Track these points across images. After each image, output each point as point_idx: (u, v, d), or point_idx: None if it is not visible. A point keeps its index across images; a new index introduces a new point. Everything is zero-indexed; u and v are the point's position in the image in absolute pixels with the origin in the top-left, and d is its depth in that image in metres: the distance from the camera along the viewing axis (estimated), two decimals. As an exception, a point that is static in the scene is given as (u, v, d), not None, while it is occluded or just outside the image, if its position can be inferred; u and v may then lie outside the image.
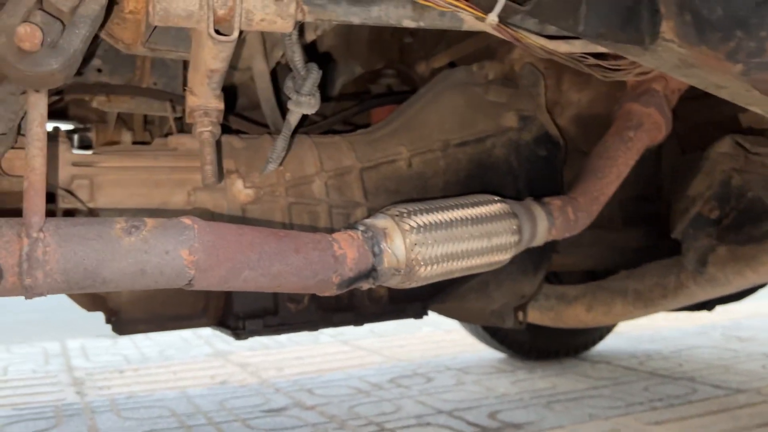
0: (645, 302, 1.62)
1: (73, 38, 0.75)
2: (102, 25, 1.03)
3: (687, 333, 3.47)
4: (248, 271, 0.84)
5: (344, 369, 2.81)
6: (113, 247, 0.76)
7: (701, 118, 1.67)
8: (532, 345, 2.78)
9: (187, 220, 0.81)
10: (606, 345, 3.15)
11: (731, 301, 1.89)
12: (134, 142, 1.71)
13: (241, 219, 1.21)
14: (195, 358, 3.14)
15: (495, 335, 2.74)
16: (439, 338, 3.48)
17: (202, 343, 3.49)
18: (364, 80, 1.99)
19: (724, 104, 1.11)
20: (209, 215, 1.21)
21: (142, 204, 1.19)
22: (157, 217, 1.20)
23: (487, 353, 2.97)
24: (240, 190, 1.23)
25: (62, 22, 0.76)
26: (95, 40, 1.04)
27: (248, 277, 0.84)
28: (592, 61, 1.11)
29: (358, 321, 1.34)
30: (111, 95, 1.45)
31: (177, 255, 0.78)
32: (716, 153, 1.54)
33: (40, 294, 0.74)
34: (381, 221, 1.04)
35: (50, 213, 1.13)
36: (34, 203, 0.74)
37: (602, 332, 2.92)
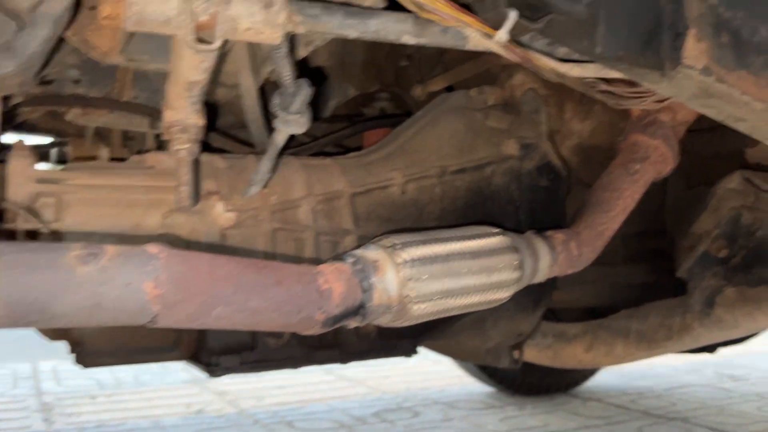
0: (648, 343, 1.54)
1: (30, 40, 0.67)
2: (74, 31, 0.95)
3: (679, 370, 3.40)
4: (222, 307, 0.75)
5: (327, 400, 2.70)
6: (66, 277, 0.66)
7: (708, 151, 1.61)
8: (523, 380, 2.69)
9: (153, 248, 0.72)
10: (597, 381, 3.07)
11: (734, 344, 1.81)
12: (112, 159, 1.62)
13: (221, 245, 1.12)
14: (171, 385, 3.02)
15: (484, 369, 2.65)
16: (427, 369, 3.38)
17: (180, 368, 3.36)
18: (357, 103, 1.91)
19: (731, 137, 1.05)
20: (185, 239, 1.11)
21: (113, 226, 1.10)
22: (130, 240, 1.11)
23: (476, 387, 2.88)
24: (220, 213, 1.14)
25: (21, 21, 0.67)
26: (60, 45, 0.95)
27: (221, 314, 0.75)
28: (604, 87, 1.03)
29: (344, 359, 1.24)
30: (87, 108, 1.36)
31: (139, 288, 0.69)
32: (725, 189, 1.48)
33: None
34: (372, 253, 0.95)
35: (10, 234, 1.04)
36: (-24, 224, 0.65)
37: (594, 368, 2.84)
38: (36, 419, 2.41)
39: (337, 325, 0.90)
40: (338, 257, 0.95)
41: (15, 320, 0.65)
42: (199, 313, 0.73)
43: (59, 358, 3.57)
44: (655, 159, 1.37)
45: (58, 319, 0.66)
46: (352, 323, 0.93)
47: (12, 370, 3.29)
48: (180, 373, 3.25)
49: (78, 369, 2.90)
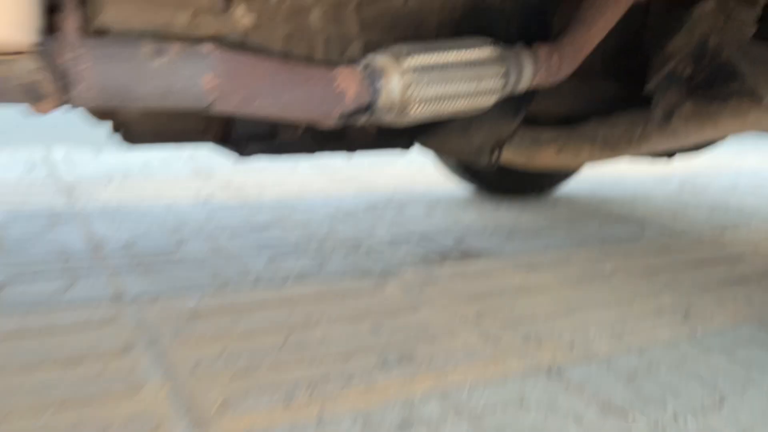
0: (611, 148, 1.74)
1: None
2: None
3: (646, 182, 3.68)
4: (261, 99, 0.92)
5: (322, 196, 2.96)
6: (145, 68, 0.82)
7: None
8: (500, 181, 2.95)
9: (207, 48, 0.88)
10: (569, 188, 3.35)
11: (692, 152, 2.03)
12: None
13: (241, 45, 1.25)
14: (177, 175, 3.25)
15: (467, 169, 2.90)
16: (413, 172, 3.65)
17: (182, 164, 3.57)
18: None
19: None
20: (210, 39, 1.24)
21: (147, 23, 1.22)
22: (160, 38, 1.24)
23: (457, 190, 3.15)
24: (242, 15, 1.26)
25: None
26: None
27: (260, 105, 0.93)
28: None
29: (351, 149, 1.45)
30: None
31: (200, 80, 0.86)
32: (700, 12, 1.58)
33: (80, 105, 0.82)
34: (381, 59, 1.11)
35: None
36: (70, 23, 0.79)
37: (566, 174, 3.09)
38: (59, 199, 2.62)
39: (350, 121, 1.09)
40: (351, 62, 1.11)
41: (107, 100, 0.82)
42: (244, 102, 0.91)
43: (70, 144, 3.76)
44: (640, -20, 1.47)
45: (139, 100, 0.84)
46: (362, 119, 1.12)
47: (25, 155, 3.49)
48: (183, 167, 3.49)
49: (87, 158, 3.04)
